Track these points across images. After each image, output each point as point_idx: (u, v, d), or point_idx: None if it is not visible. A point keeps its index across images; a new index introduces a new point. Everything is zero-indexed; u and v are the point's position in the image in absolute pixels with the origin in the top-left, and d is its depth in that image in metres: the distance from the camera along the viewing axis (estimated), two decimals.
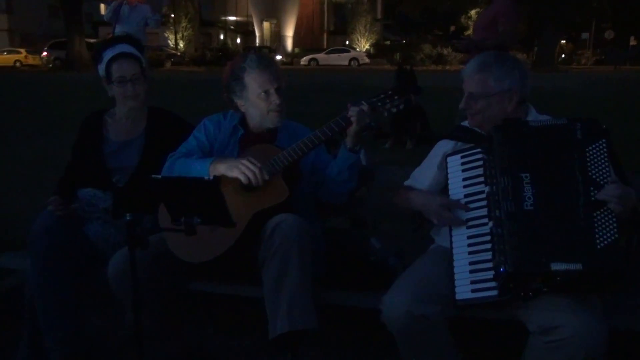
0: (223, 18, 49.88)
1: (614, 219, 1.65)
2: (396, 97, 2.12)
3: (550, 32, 29.12)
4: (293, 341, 1.96)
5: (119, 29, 7.32)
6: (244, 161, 2.04)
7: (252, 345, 2.48)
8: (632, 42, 37.66)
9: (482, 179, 1.89)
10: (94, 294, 2.57)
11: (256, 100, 2.22)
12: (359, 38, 41.02)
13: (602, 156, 1.72)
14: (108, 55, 2.45)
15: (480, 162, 1.91)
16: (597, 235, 1.64)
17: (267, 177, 2.04)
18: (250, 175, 2.02)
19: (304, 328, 1.92)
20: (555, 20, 28.35)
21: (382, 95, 2.13)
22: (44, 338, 2.18)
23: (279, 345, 1.96)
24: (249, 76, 2.21)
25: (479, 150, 1.93)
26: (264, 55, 2.30)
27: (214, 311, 2.71)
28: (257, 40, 47.00)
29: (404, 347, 1.86)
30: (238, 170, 2.04)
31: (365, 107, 2.08)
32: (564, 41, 36.71)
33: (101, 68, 2.47)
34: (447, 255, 1.90)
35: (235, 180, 2.07)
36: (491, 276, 1.75)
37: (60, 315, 2.17)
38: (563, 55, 36.34)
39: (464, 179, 1.94)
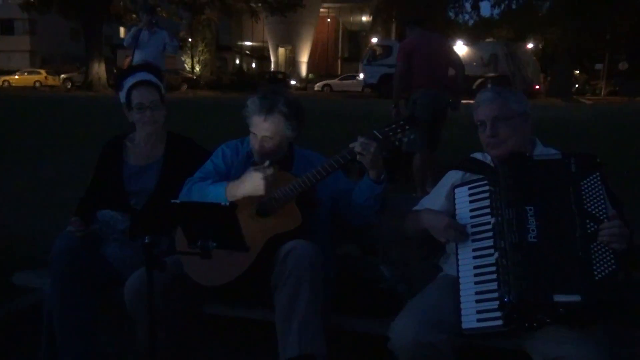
0: (239, 43, 50.69)
1: (611, 251, 1.70)
2: (407, 127, 2.17)
3: (564, 63, 29.23)
4: None
5: (138, 55, 7.47)
6: (259, 175, 2.11)
7: None
8: None
9: (488, 210, 1.94)
10: (109, 314, 2.63)
11: (250, 136, 2.34)
12: None
13: (596, 189, 1.78)
14: (128, 83, 2.55)
15: (487, 194, 1.96)
16: (595, 267, 1.69)
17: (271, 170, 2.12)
18: (263, 184, 2.10)
19: (313, 352, 1.96)
20: (569, 51, 28.49)
21: (394, 125, 2.18)
22: (60, 356, 2.23)
23: None
24: (249, 113, 2.32)
25: (485, 182, 1.99)
26: (267, 101, 2.27)
27: (224, 334, 2.75)
28: (272, 66, 47.58)
29: None
30: (256, 187, 2.11)
31: (363, 139, 2.10)
32: (577, 71, 36.73)
33: (122, 95, 2.57)
34: (455, 284, 1.93)
35: (251, 206, 2.14)
36: (496, 306, 1.79)
37: (78, 335, 2.22)
38: (577, 85, 36.33)
39: (471, 210, 2.00)
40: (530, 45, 31.61)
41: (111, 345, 2.63)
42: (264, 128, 2.28)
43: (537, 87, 26.20)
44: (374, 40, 31.98)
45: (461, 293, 1.89)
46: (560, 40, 28.72)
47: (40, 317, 2.33)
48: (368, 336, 2.17)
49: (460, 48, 25.85)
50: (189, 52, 37.94)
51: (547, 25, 30.04)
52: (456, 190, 2.07)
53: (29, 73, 38.33)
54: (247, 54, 52.31)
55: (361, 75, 31.93)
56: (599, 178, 1.79)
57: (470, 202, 2.01)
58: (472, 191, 2.02)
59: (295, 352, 1.95)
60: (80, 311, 2.23)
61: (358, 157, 2.12)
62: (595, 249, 1.71)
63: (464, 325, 1.83)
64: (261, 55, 51.33)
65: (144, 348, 2.17)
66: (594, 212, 1.75)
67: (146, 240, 1.72)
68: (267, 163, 2.17)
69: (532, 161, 1.91)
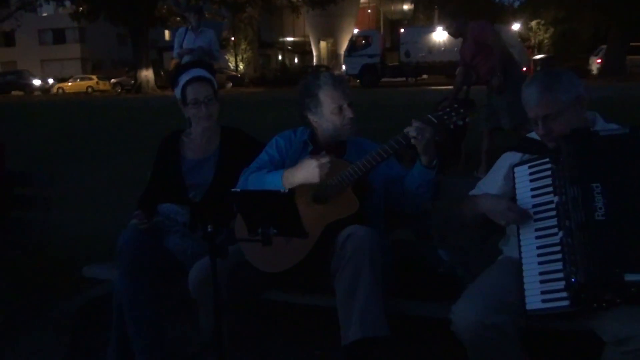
0: (281, 39, 50.98)
1: None
2: (462, 111, 2.15)
3: (617, 41, 27.95)
4: (365, 349, 2.01)
5: (187, 57, 7.56)
6: (314, 163, 2.13)
7: (322, 355, 2.54)
8: None
9: (550, 189, 1.89)
10: (171, 303, 2.73)
11: (330, 116, 2.33)
12: None
13: None
14: (183, 79, 2.63)
15: (549, 172, 1.91)
16: None
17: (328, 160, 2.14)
18: (318, 172, 2.12)
19: (375, 335, 1.97)
20: (623, 28, 27.23)
21: (448, 109, 2.16)
22: (131, 343, 2.33)
23: (351, 354, 2.02)
24: (324, 93, 2.32)
25: (547, 160, 1.93)
26: (335, 74, 2.43)
27: (284, 320, 2.80)
28: (315, 60, 47.65)
29: (475, 356, 1.87)
30: (312, 174, 2.12)
31: (419, 124, 2.09)
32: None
33: (177, 91, 2.66)
34: (516, 266, 1.90)
35: (307, 193, 2.17)
36: (562, 286, 1.75)
37: (146, 322, 2.31)
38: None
39: (532, 189, 1.95)
40: (515, 28, 30.63)
41: (175, 332, 2.72)
42: (343, 96, 2.33)
43: (524, 69, 25.19)
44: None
45: (524, 274, 1.85)
46: (613, 16, 27.39)
47: (110, 306, 2.43)
48: (429, 320, 2.16)
49: (441, 34, 25.44)
50: (232, 50, 38.46)
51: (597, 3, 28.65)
52: (516, 170, 2.03)
53: (81, 79, 39.75)
54: (289, 50, 52.56)
55: (343, 67, 31.91)
56: None
57: (531, 181, 1.96)
58: (532, 170, 1.97)
59: (357, 335, 1.96)
60: (147, 299, 2.32)
61: (412, 141, 2.11)
62: None
63: (528, 307, 1.80)
64: (303, 50, 51.45)
65: (208, 333, 2.25)
66: None
67: (209, 229, 1.77)
68: (322, 153, 2.19)
69: (597, 136, 1.84)
